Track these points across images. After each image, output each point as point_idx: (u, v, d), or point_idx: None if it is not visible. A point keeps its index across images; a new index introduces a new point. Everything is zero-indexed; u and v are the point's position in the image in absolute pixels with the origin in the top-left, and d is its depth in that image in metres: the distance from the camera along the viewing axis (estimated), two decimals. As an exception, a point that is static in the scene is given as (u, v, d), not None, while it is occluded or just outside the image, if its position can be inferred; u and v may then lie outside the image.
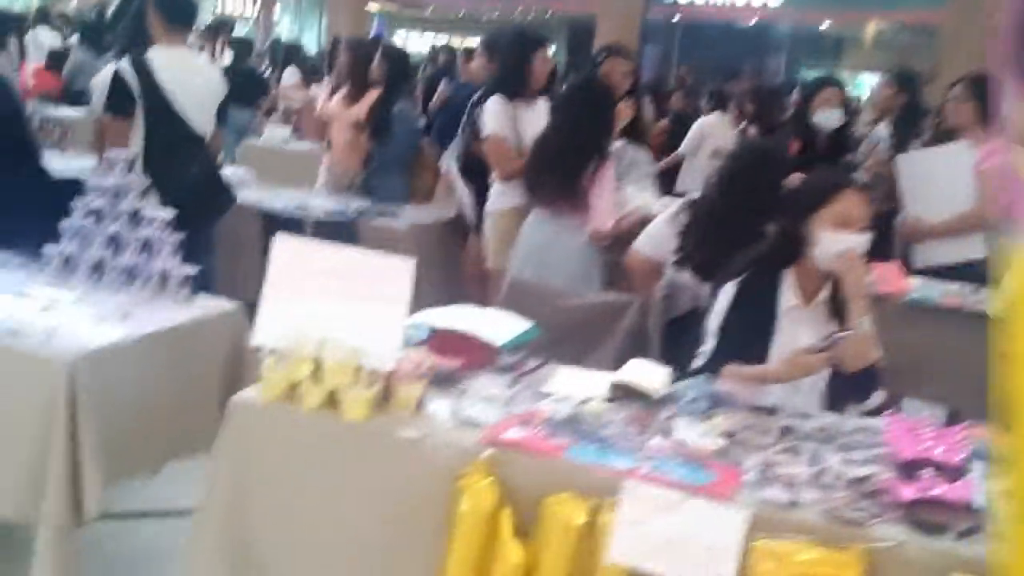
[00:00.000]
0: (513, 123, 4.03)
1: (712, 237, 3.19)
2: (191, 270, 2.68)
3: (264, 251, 4.22)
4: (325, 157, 5.48)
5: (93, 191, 2.73)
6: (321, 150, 5.61)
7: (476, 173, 4.52)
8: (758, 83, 7.57)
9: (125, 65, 3.80)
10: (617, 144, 3.93)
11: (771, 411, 2.11)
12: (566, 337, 2.89)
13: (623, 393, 2.14)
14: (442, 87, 7.77)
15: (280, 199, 4.73)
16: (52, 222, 3.75)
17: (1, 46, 7.38)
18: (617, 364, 2.90)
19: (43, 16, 11.60)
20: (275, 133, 7.59)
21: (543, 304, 2.97)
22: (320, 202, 4.70)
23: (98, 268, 2.74)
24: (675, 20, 19.84)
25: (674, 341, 3.10)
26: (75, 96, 8.47)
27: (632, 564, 1.69)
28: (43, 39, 10.22)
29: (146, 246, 2.69)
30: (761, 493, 1.74)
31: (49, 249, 2.77)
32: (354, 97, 5.31)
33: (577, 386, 2.19)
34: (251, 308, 2.67)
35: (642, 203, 4.13)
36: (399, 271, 1.96)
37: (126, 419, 2.34)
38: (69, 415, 2.17)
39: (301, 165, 6.40)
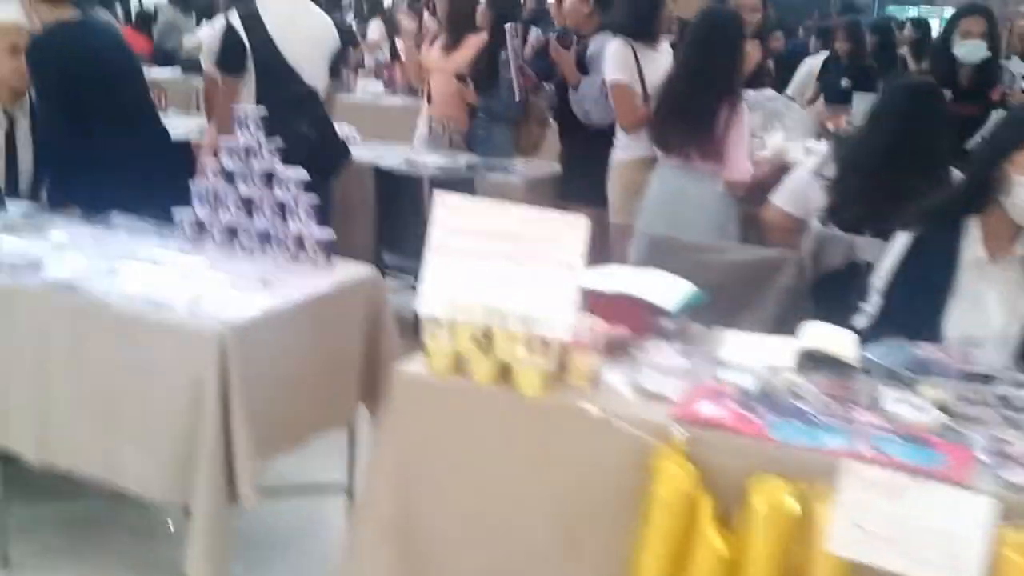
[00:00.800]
0: (637, 68, 3.80)
1: (867, 189, 2.95)
2: (328, 234, 2.56)
3: (378, 209, 4.11)
4: (424, 109, 5.32)
5: (225, 151, 2.62)
6: (420, 102, 5.45)
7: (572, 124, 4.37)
8: (852, 20, 7.13)
9: (235, 19, 3.69)
10: (767, 92, 3.70)
11: (986, 378, 1.90)
12: (715, 297, 2.71)
13: (813, 361, 1.95)
14: (534, 33, 7.52)
15: (388, 155, 4.60)
16: (175, 184, 3.71)
17: (106, 6, 7.35)
18: (775, 326, 2.72)
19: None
20: (367, 87, 7.47)
21: (687, 261, 2.78)
22: (430, 158, 4.55)
23: (231, 232, 2.64)
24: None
25: (827, 300, 2.89)
26: (166, 57, 8.49)
27: (854, 556, 1.53)
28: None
29: (281, 209, 2.58)
30: (999, 475, 1.55)
31: (180, 213, 2.68)
32: (454, 45, 5.13)
33: (755, 353, 2.01)
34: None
35: (776, 149, 3.89)
36: (573, 230, 1.80)
37: (274, 392, 2.25)
38: (221, 389, 2.08)
39: (397, 119, 6.26)
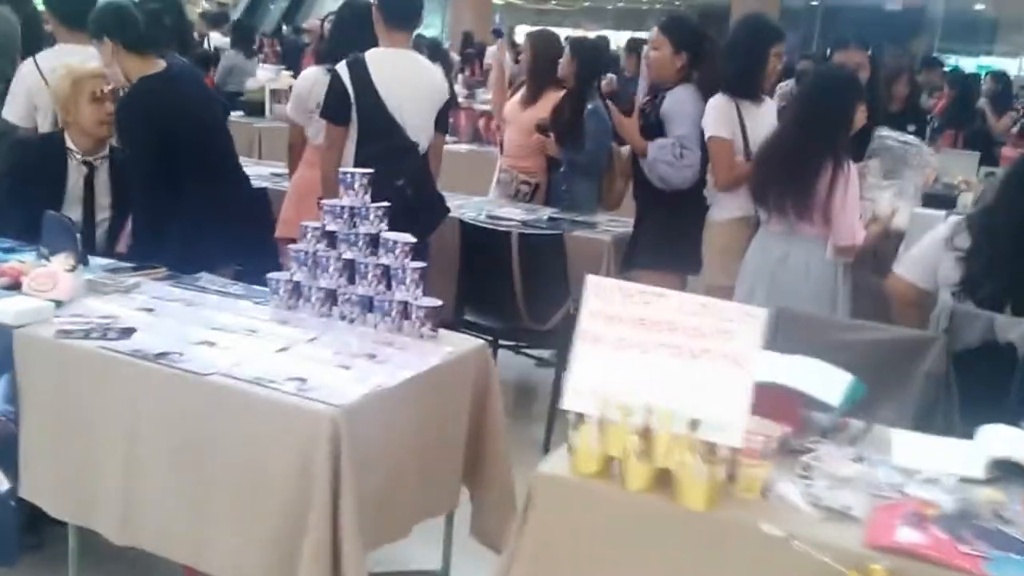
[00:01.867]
0: (740, 125, 3.61)
1: (1006, 262, 2.72)
2: (435, 302, 2.38)
3: (465, 266, 3.91)
4: (500, 161, 5.18)
5: (327, 212, 2.45)
6: (485, 150, 5.30)
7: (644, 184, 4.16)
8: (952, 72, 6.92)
9: (343, 68, 3.58)
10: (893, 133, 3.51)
11: None
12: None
13: (1003, 471, 1.72)
14: (605, 83, 7.38)
15: (467, 208, 4.44)
16: (259, 237, 3.57)
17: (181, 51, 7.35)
18: (919, 417, 2.48)
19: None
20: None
21: (818, 339, 2.56)
22: (512, 211, 4.37)
23: (330, 298, 2.47)
24: (815, 3, 18.90)
25: (965, 385, 2.65)
26: (227, 99, 8.47)
27: None
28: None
29: (385, 274, 2.40)
30: None
31: (275, 277, 2.52)
32: (534, 97, 4.98)
33: (934, 461, 1.77)
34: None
35: (884, 211, 3.66)
36: (748, 321, 1.59)
37: (383, 477, 2.05)
38: (331, 475, 1.89)
39: (461, 168, 6.12)
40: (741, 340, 1.59)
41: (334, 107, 3.59)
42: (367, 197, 2.44)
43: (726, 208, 3.70)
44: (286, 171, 4.50)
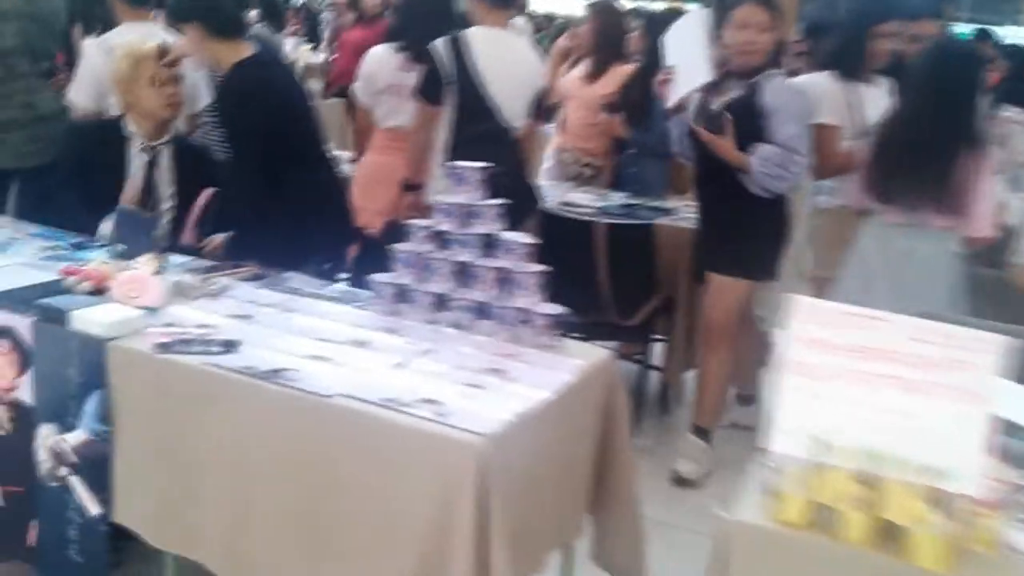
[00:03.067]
0: (849, 108, 3.38)
1: None
2: (560, 309, 2.17)
3: (543, 258, 3.71)
4: (555, 140, 4.94)
5: (438, 211, 2.24)
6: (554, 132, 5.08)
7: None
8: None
9: (442, 45, 3.37)
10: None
11: None
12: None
13: None
14: (661, 77, 7.07)
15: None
16: (347, 228, 3.37)
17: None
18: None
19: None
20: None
21: None
22: (584, 197, 4.15)
23: (440, 303, 2.26)
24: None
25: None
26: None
27: None
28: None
29: (503, 278, 2.19)
30: None
31: (379, 279, 2.31)
32: (598, 72, 4.74)
33: None
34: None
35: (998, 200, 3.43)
36: (982, 348, 1.38)
37: (523, 508, 1.85)
38: (477, 510, 1.69)
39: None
40: (975, 370, 1.38)
41: (430, 86, 3.40)
42: (482, 192, 2.23)
43: (835, 196, 3.47)
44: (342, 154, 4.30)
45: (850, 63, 3.39)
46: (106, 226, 3.06)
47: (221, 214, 3.19)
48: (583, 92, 4.77)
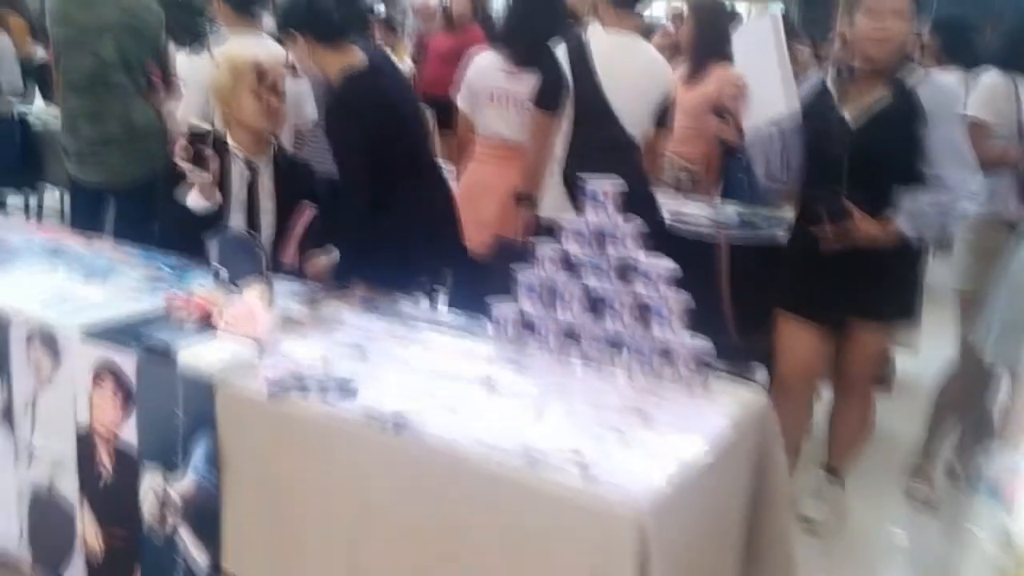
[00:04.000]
0: (1016, 106, 3.06)
1: None
2: (707, 346, 1.94)
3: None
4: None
5: (569, 233, 2.03)
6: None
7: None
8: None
9: (561, 49, 3.18)
10: None
11: None
12: None
13: None
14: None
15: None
16: (457, 247, 3.20)
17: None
18: None
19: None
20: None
21: None
22: (693, 207, 3.89)
23: (569, 336, 2.06)
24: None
25: None
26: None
27: None
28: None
29: (642, 310, 1.97)
30: None
31: (501, 308, 2.11)
32: (698, 73, 4.48)
33: None
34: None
35: None
36: None
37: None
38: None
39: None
40: None
41: (548, 92, 3.20)
42: (619, 216, 2.01)
43: (985, 204, 3.16)
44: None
45: (1017, 58, 3.07)
46: (211, 248, 2.95)
47: (322, 231, 3.05)
48: (682, 95, 4.51)
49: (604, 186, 2.01)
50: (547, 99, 3.17)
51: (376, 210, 2.75)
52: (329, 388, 1.82)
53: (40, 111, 6.09)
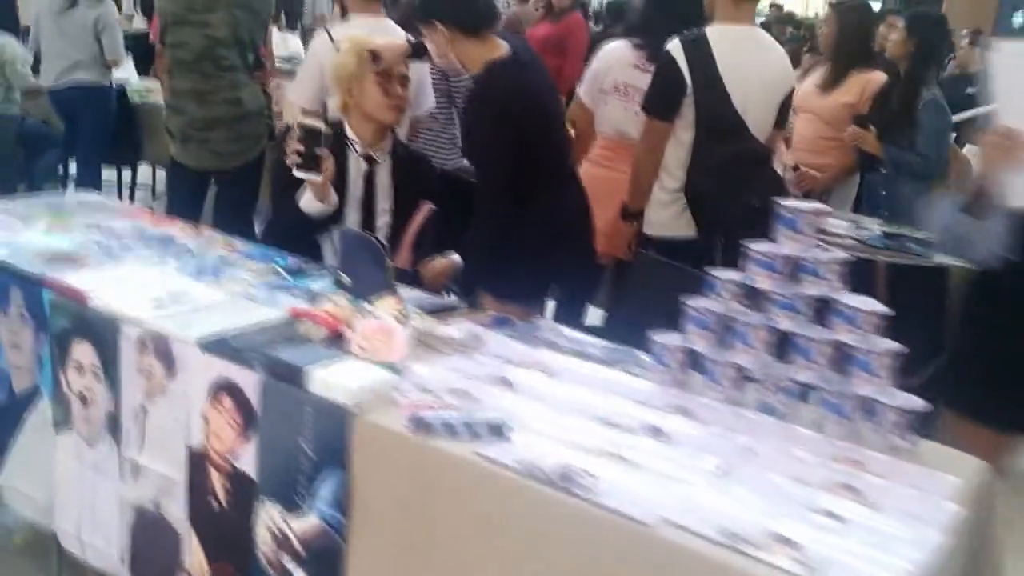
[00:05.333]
0: None
1: None
2: (919, 403, 1.65)
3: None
4: (782, 155, 4.37)
5: (755, 262, 1.76)
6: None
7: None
8: None
9: (677, 48, 2.90)
10: None
11: None
12: None
13: None
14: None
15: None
16: (591, 258, 2.95)
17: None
18: None
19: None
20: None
21: None
22: (838, 225, 3.57)
23: (743, 378, 1.78)
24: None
25: None
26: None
27: None
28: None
29: (839, 354, 1.69)
30: None
31: (664, 342, 1.85)
32: (837, 79, 4.14)
33: None
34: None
35: None
36: None
37: None
38: None
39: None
40: None
41: (662, 97, 2.92)
42: (815, 243, 1.73)
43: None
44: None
45: None
46: (330, 249, 2.74)
47: (444, 234, 2.82)
48: (818, 103, 4.19)
49: (803, 209, 1.73)
50: (660, 105, 2.89)
51: (510, 214, 2.51)
52: (480, 430, 1.58)
53: (139, 84, 6.00)
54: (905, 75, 3.82)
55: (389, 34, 3.26)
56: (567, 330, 2.11)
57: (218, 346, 1.81)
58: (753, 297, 1.77)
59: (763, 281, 1.74)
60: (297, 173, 2.45)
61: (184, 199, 3.86)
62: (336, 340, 1.85)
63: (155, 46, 7.24)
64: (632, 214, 3.07)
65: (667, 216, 3.02)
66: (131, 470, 1.97)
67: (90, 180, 5.40)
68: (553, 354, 1.96)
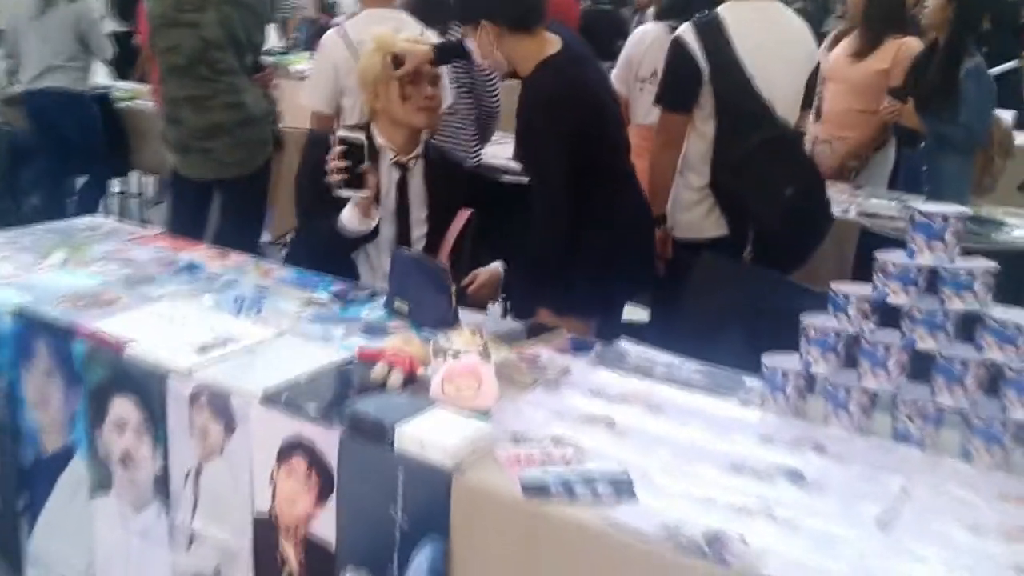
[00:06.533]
0: None
1: None
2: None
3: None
4: (813, 127, 4.18)
5: (886, 274, 1.56)
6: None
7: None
8: None
9: (688, 32, 2.70)
10: None
11: None
12: None
13: None
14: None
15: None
16: (651, 264, 2.75)
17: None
18: None
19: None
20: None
21: None
22: (877, 203, 3.39)
23: (873, 405, 1.60)
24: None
25: None
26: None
27: None
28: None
29: (989, 376, 1.51)
30: None
31: (777, 366, 1.66)
32: (870, 46, 3.96)
33: None
34: None
35: None
36: None
37: None
38: None
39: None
40: None
41: (675, 89, 2.74)
42: (955, 249, 1.54)
43: None
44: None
45: None
46: (364, 267, 2.53)
47: (486, 243, 2.63)
48: (849, 72, 4.01)
49: (943, 212, 1.54)
50: (674, 96, 2.69)
51: (569, 221, 2.31)
52: (602, 489, 1.38)
53: (125, 87, 5.70)
54: (945, 43, 3.63)
55: (406, 28, 3.03)
56: (655, 352, 1.91)
57: (285, 400, 1.60)
58: (884, 313, 1.58)
59: (898, 296, 1.55)
60: (340, 192, 2.24)
61: (188, 213, 3.63)
62: (412, 381, 1.65)
63: (135, 48, 6.94)
64: (656, 219, 2.85)
65: (695, 216, 2.81)
66: (185, 537, 1.76)
67: (92, 197, 5.14)
68: (649, 384, 1.77)
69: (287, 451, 1.58)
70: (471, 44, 2.38)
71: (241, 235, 3.62)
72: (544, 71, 2.28)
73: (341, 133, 2.27)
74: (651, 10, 10.02)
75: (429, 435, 1.47)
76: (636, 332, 2.51)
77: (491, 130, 3.76)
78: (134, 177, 5.93)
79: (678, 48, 2.69)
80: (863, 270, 2.85)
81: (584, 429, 1.57)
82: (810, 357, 1.62)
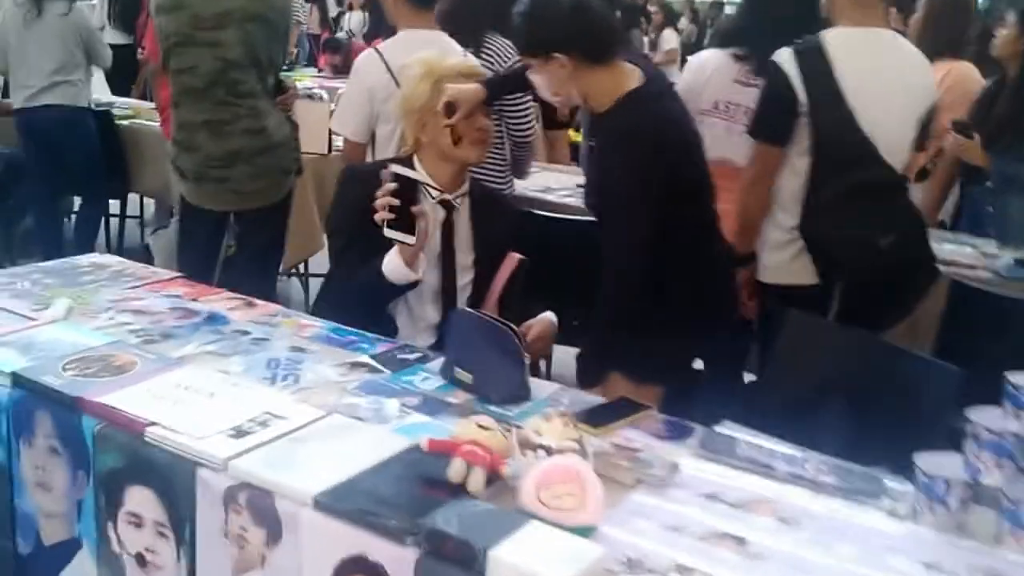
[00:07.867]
0: None
1: None
2: None
3: (953, 342, 2.66)
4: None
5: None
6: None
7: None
8: None
9: (788, 58, 2.45)
10: None
11: None
12: None
13: None
14: None
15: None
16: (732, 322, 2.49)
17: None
18: None
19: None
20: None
21: None
22: (962, 252, 3.14)
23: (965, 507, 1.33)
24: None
25: None
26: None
27: None
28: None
29: None
30: None
31: (936, 476, 1.38)
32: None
33: None
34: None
35: None
36: None
37: None
38: None
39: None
40: None
41: (770, 117, 2.48)
42: None
43: None
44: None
45: None
46: (404, 320, 2.25)
47: (532, 289, 2.35)
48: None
49: None
50: (771, 127, 2.46)
51: (647, 273, 2.04)
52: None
53: (125, 104, 5.41)
54: (1016, 76, 3.39)
55: (449, 51, 2.77)
56: (765, 439, 1.63)
57: (344, 507, 1.31)
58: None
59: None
60: (388, 233, 1.97)
61: (200, 247, 3.33)
62: (494, 478, 1.36)
63: (135, 63, 6.62)
64: (741, 259, 2.59)
65: (783, 259, 2.55)
66: (215, 660, 1.47)
67: (91, 221, 4.84)
68: (775, 487, 1.49)
69: (346, 569, 1.29)
70: (536, 77, 2.11)
71: (258, 270, 3.33)
72: (627, 108, 2.01)
73: (395, 169, 2.00)
74: (667, 32, 9.90)
75: (529, 563, 1.18)
76: (714, 397, 2.25)
77: (525, 162, 3.48)
78: (133, 199, 5.61)
79: (776, 75, 2.45)
80: (953, 325, 2.63)
81: (711, 552, 1.29)
82: (980, 464, 1.35)
